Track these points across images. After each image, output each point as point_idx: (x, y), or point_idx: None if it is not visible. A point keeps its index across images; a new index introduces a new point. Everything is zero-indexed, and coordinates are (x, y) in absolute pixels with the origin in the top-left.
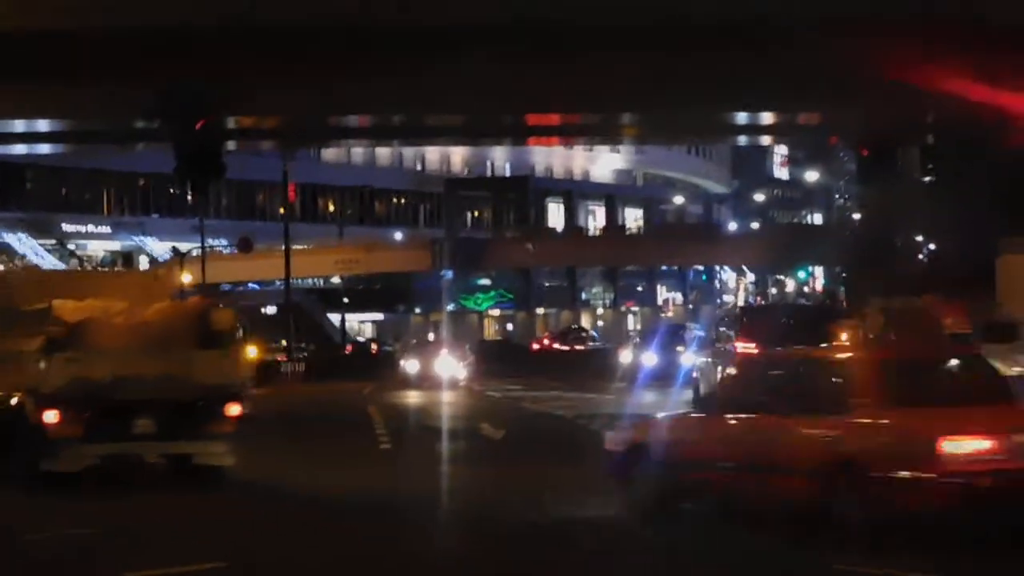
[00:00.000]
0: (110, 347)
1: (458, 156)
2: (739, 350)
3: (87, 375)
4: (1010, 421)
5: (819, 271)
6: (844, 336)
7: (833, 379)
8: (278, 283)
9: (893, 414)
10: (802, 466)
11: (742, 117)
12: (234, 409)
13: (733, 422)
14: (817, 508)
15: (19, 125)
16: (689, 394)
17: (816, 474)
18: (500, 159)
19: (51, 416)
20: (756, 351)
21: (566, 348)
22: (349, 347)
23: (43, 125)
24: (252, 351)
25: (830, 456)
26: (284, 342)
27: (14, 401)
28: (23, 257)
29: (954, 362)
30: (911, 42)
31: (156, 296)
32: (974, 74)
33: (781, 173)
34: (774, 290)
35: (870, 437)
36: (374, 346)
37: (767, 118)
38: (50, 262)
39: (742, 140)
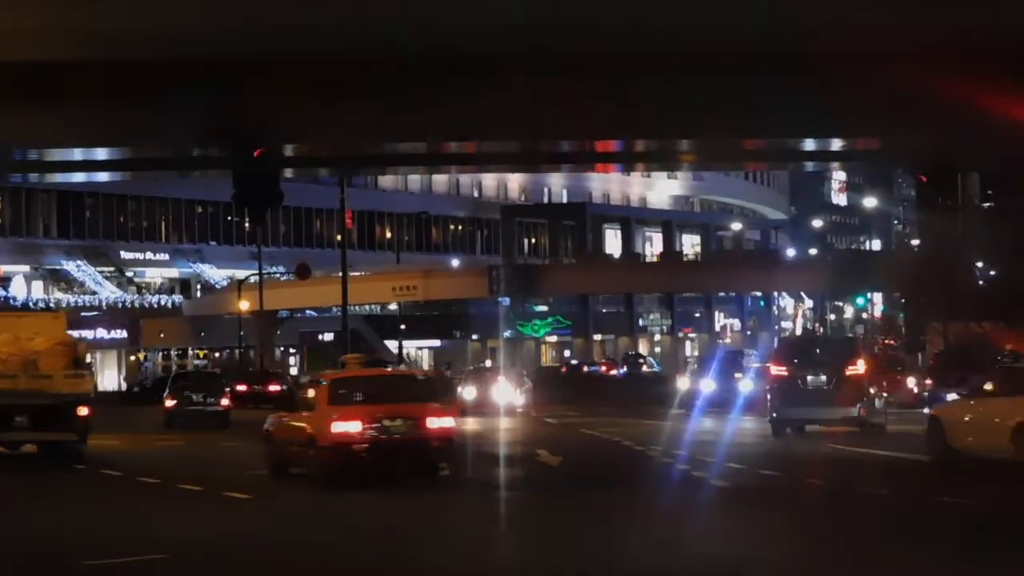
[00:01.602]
0: None
1: (515, 183)
2: (772, 373)
3: None
4: (386, 412)
5: (878, 297)
6: (859, 364)
7: (316, 390)
8: (335, 310)
9: (327, 410)
10: (300, 440)
11: (802, 144)
12: (84, 411)
13: (285, 416)
14: (306, 466)
15: (78, 153)
16: (746, 420)
17: (303, 445)
18: (557, 185)
19: None
20: (786, 373)
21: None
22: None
23: (101, 153)
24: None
25: (306, 435)
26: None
27: None
28: (82, 284)
29: (395, 375)
30: (970, 70)
31: (49, 332)
32: None
33: (839, 199)
34: (832, 316)
35: (318, 423)
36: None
37: (826, 144)
38: (109, 289)
39: (809, 166)
